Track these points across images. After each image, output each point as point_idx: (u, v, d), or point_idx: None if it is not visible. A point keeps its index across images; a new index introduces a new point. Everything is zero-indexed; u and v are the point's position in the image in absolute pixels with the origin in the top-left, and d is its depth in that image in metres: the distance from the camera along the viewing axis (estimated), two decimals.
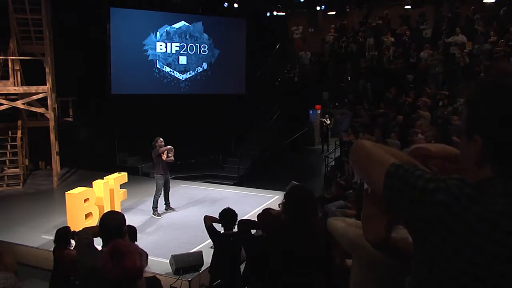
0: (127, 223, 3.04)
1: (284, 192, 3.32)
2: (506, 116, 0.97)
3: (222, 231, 5.08)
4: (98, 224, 3.05)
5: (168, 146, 9.24)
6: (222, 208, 5.22)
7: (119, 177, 9.34)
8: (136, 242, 4.90)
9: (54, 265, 5.46)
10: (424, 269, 1.05)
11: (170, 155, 9.23)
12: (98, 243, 2.86)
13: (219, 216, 5.08)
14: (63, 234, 5.47)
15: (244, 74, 15.69)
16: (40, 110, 12.22)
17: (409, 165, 1.09)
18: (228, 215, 5.01)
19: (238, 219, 4.95)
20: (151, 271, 5.66)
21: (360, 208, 3.31)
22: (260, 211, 3.97)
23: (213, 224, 5.11)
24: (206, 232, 5.15)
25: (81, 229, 3.09)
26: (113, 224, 2.82)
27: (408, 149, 1.34)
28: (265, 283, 3.68)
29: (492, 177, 0.99)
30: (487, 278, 0.93)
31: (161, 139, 9.25)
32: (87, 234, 2.98)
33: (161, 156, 9.13)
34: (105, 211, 5.77)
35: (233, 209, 5.10)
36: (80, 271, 2.87)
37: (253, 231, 4.88)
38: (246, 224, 4.62)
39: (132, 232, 4.92)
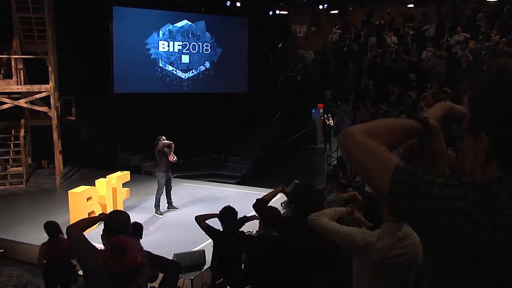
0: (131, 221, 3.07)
1: (289, 191, 3.32)
2: (509, 115, 0.96)
3: (222, 229, 5.05)
4: (102, 222, 3.04)
5: (167, 141, 9.21)
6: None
7: (121, 176, 9.37)
8: (141, 240, 4.92)
9: (48, 257, 5.65)
10: (440, 273, 1.02)
11: (170, 152, 9.21)
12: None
13: (219, 215, 5.06)
14: (54, 226, 5.73)
15: (247, 73, 15.70)
16: (43, 109, 12.25)
17: (414, 167, 1.05)
18: (228, 214, 5.00)
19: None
20: None
21: (361, 207, 3.31)
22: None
23: (211, 220, 5.11)
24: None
25: (66, 227, 3.05)
26: (119, 223, 2.85)
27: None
28: (266, 282, 3.68)
29: (501, 176, 0.98)
30: (507, 282, 0.92)
31: (163, 137, 9.25)
32: (78, 232, 2.95)
33: (167, 156, 9.12)
34: (109, 210, 5.78)
35: (234, 207, 5.08)
36: (84, 270, 2.88)
37: (253, 231, 4.90)
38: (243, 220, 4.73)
39: (138, 229, 4.93)
